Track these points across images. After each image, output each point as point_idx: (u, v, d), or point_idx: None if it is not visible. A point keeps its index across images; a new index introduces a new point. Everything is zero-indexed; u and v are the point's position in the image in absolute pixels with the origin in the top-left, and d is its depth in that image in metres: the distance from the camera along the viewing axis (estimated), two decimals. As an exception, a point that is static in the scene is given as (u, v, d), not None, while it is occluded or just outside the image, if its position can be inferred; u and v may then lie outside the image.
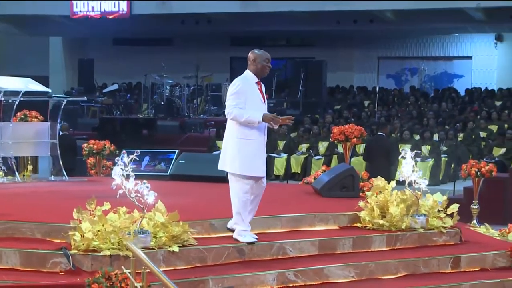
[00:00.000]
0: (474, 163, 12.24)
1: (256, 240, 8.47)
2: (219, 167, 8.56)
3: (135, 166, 8.25)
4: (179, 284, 7.64)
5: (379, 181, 9.92)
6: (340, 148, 20.58)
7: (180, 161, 12.24)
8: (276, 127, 8.43)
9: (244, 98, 8.18)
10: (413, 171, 9.48)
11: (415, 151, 10.05)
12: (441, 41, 31.18)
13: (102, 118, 23.77)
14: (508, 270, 9.18)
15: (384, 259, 8.88)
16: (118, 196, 7.84)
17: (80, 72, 28.93)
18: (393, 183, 9.93)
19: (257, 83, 8.30)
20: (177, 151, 12.59)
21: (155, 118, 24.16)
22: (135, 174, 8.16)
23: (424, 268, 8.96)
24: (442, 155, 19.97)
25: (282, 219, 9.16)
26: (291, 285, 8.26)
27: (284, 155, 20.57)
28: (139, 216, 8.09)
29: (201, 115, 26.54)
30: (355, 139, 12.17)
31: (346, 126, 12.27)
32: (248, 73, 8.33)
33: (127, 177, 7.92)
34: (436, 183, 19.59)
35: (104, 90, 26.50)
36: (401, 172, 9.50)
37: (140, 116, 25.51)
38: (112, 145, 13.30)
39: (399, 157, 9.61)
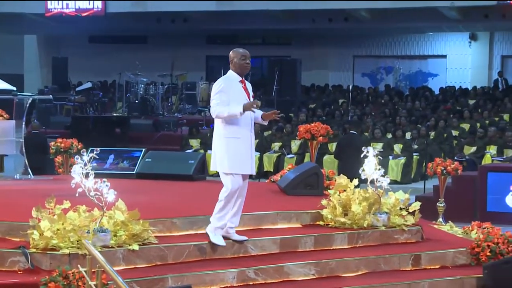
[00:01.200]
0: (440, 161, 12.30)
1: (224, 245, 8.44)
2: (211, 168, 8.49)
3: (96, 164, 8.23)
4: (138, 282, 7.71)
5: (341, 179, 9.96)
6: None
7: (147, 160, 12.23)
8: (255, 111, 8.33)
9: (228, 97, 8.20)
10: (375, 169, 9.49)
11: (377, 149, 10.02)
12: (416, 40, 31.33)
13: (74, 116, 23.71)
14: (468, 268, 9.25)
15: (345, 256, 8.92)
16: (77, 195, 7.85)
17: (54, 70, 28.85)
18: (355, 181, 9.97)
19: (241, 81, 8.33)
20: (143, 149, 12.58)
21: (128, 116, 24.11)
22: (100, 173, 8.15)
23: (385, 265, 9.00)
24: (414, 154, 20.09)
25: (244, 217, 9.09)
26: (251, 283, 8.29)
27: (257, 154, 20.58)
28: (99, 214, 8.09)
29: (176, 114, 26.53)
30: (321, 137, 12.21)
31: (312, 124, 12.31)
32: (230, 73, 8.38)
33: (87, 175, 7.93)
34: (408, 181, 19.73)
35: (78, 88, 26.44)
36: (363, 170, 9.51)
37: (114, 114, 25.44)
38: (80, 143, 13.24)
39: (362, 156, 9.60)
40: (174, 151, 20.47)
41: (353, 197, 9.63)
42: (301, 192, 10.72)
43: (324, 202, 9.63)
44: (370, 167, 9.51)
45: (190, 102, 27.33)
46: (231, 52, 8.43)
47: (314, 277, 8.61)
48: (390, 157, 19.82)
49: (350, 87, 25.37)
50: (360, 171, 9.57)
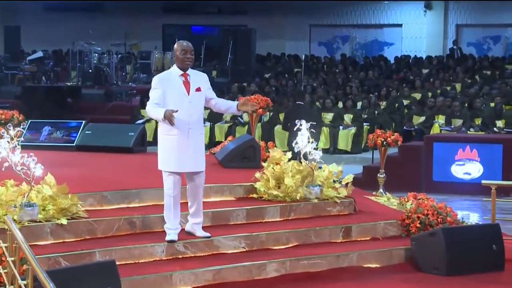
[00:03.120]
0: (380, 133, 12.36)
1: (175, 240, 8.29)
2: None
3: (29, 135, 8.09)
4: (65, 256, 7.72)
5: (275, 152, 10.01)
6: (266, 117, 20.72)
7: (87, 132, 12.19)
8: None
9: (161, 93, 8.08)
10: (308, 142, 9.54)
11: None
12: (372, 9, 31.39)
13: (24, 86, 23.48)
14: (398, 239, 9.32)
15: (276, 229, 8.96)
16: (3, 169, 7.83)
17: (6, 39, 28.55)
18: (289, 154, 10.01)
19: (182, 75, 8.18)
20: (83, 121, 12.53)
21: (80, 86, 23.96)
22: (37, 145, 8.06)
23: (315, 238, 9.06)
24: (364, 123, 20.20)
25: (176, 190, 9.14)
26: (180, 256, 8.30)
27: (208, 124, 20.61)
28: (27, 189, 8.07)
29: (130, 83, 26.41)
30: (261, 109, 12.22)
31: (252, 96, 12.33)
32: (173, 67, 8.29)
33: (14, 149, 7.91)
34: (358, 151, 19.87)
35: (29, 58, 26.18)
36: (296, 143, 9.56)
37: (68, 84, 25.25)
38: (21, 115, 13.12)
39: (297, 126, 9.62)
40: (125, 121, 20.44)
41: (286, 169, 9.68)
42: (238, 164, 10.74)
43: (257, 175, 9.68)
44: (303, 140, 9.56)
45: (145, 72, 27.25)
46: (175, 45, 8.31)
47: (244, 250, 8.64)
48: (341, 127, 19.94)
49: (303, 56, 25.33)
50: (293, 144, 9.62)
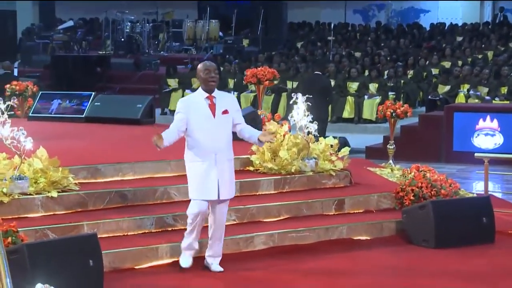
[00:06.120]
0: (389, 104, 12.29)
1: (186, 267, 7.93)
2: None
3: (39, 106, 8.04)
4: (53, 229, 7.88)
5: (271, 125, 10.02)
6: (289, 85, 20.70)
7: (96, 103, 12.32)
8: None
9: (186, 116, 7.71)
10: (304, 115, 9.53)
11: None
12: (408, -24, 31.08)
13: (54, 55, 23.71)
14: (391, 212, 9.30)
15: (269, 202, 9.01)
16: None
17: (41, 8, 28.80)
18: (285, 127, 10.03)
19: (207, 98, 7.77)
20: (93, 93, 12.64)
21: (109, 55, 24.16)
22: (46, 116, 8.09)
23: (307, 210, 9.07)
24: (389, 93, 20.06)
25: (172, 163, 9.19)
26: (169, 229, 8.39)
27: (234, 93, 20.64)
28: (19, 162, 8.22)
29: (162, 52, 26.55)
30: (267, 81, 12.23)
31: (259, 68, 12.33)
32: (198, 90, 7.90)
33: (3, 123, 8.07)
34: (383, 121, 19.73)
35: (60, 27, 26.42)
36: (292, 116, 9.57)
37: (99, 53, 25.47)
38: (35, 86, 13.30)
39: (293, 99, 9.60)
40: (153, 90, 20.53)
41: (283, 142, 9.70)
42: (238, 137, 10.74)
43: (254, 147, 9.71)
44: (299, 113, 9.56)
45: (177, 40, 27.38)
46: (198, 65, 7.94)
47: (235, 222, 8.71)
48: (365, 97, 19.85)
49: (332, 25, 25.16)
50: (288, 117, 9.64)
